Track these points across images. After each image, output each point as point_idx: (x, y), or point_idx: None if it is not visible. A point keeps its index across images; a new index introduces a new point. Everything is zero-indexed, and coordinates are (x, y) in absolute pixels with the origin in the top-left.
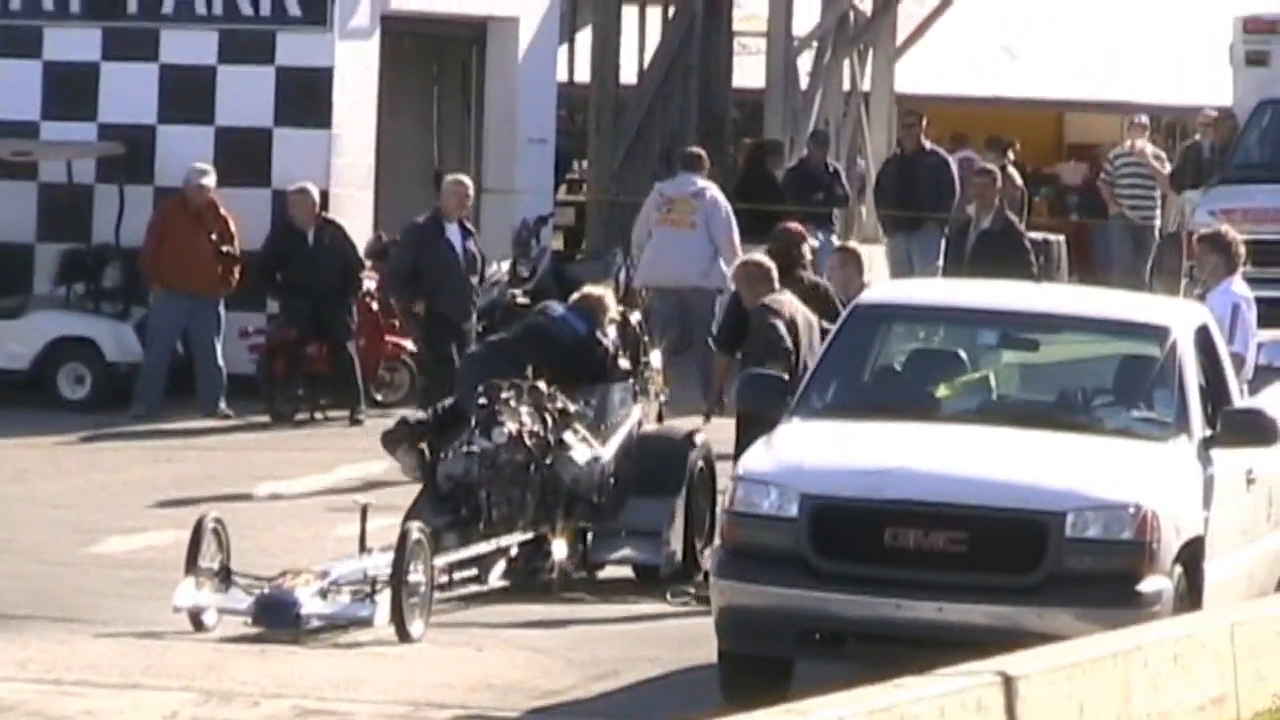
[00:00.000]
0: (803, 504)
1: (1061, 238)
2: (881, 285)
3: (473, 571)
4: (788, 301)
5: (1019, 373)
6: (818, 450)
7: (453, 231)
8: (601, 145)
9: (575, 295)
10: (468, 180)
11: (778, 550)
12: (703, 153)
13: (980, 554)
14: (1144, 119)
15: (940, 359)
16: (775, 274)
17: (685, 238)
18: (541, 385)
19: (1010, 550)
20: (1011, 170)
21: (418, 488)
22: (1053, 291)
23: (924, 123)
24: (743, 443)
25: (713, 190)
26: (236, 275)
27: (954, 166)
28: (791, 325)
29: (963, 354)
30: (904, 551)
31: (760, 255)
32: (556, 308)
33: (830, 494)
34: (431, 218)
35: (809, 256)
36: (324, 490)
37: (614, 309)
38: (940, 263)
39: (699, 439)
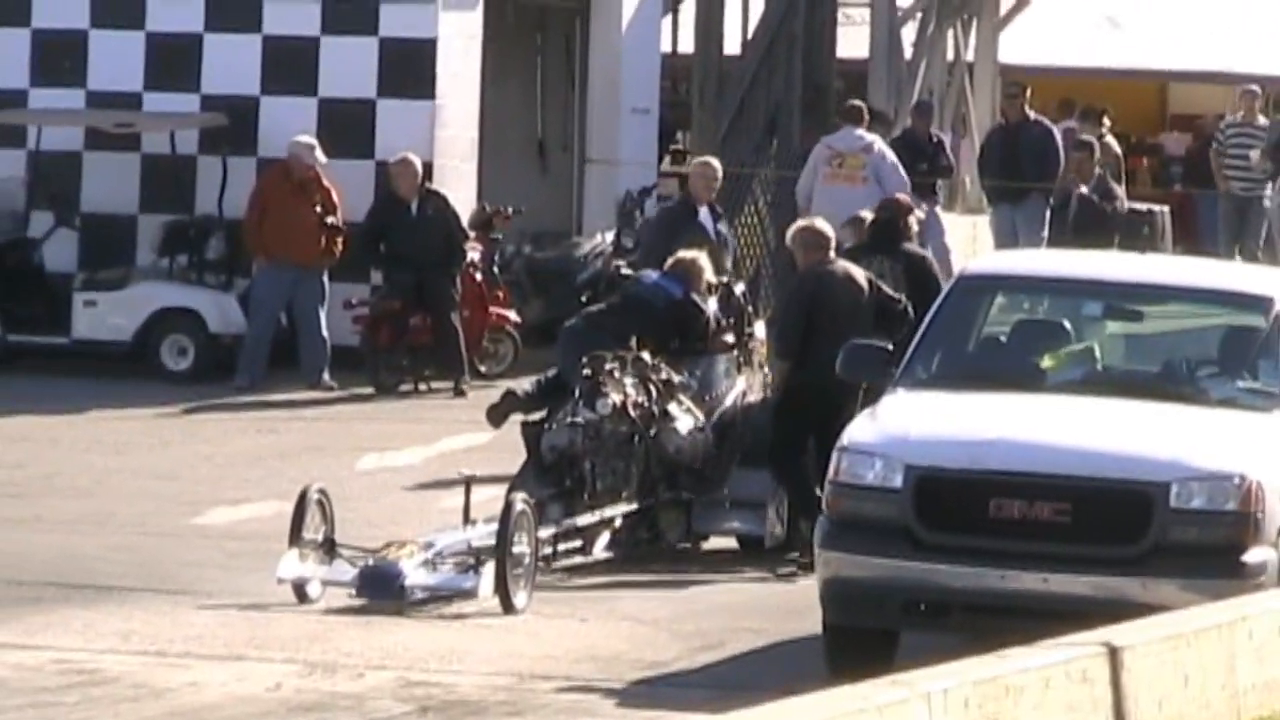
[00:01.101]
0: (907, 475)
1: (1165, 208)
2: (986, 256)
3: (577, 543)
4: (837, 273)
5: (1123, 343)
6: (922, 421)
7: (704, 215)
8: (705, 116)
9: (669, 261)
10: (715, 163)
11: (882, 521)
12: (862, 104)
13: (1085, 525)
14: (1255, 88)
15: (1045, 329)
16: (831, 243)
17: (857, 194)
18: (645, 356)
19: (1115, 521)
20: (1109, 139)
21: (522, 459)
22: (1157, 262)
23: (1027, 93)
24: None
25: (879, 143)
26: (340, 246)
27: (1058, 136)
28: (820, 300)
29: (1067, 325)
30: (1009, 522)
31: (820, 222)
32: (649, 274)
33: (935, 465)
34: (682, 201)
35: (915, 228)
36: (428, 462)
37: (709, 272)
38: (1045, 233)
39: None
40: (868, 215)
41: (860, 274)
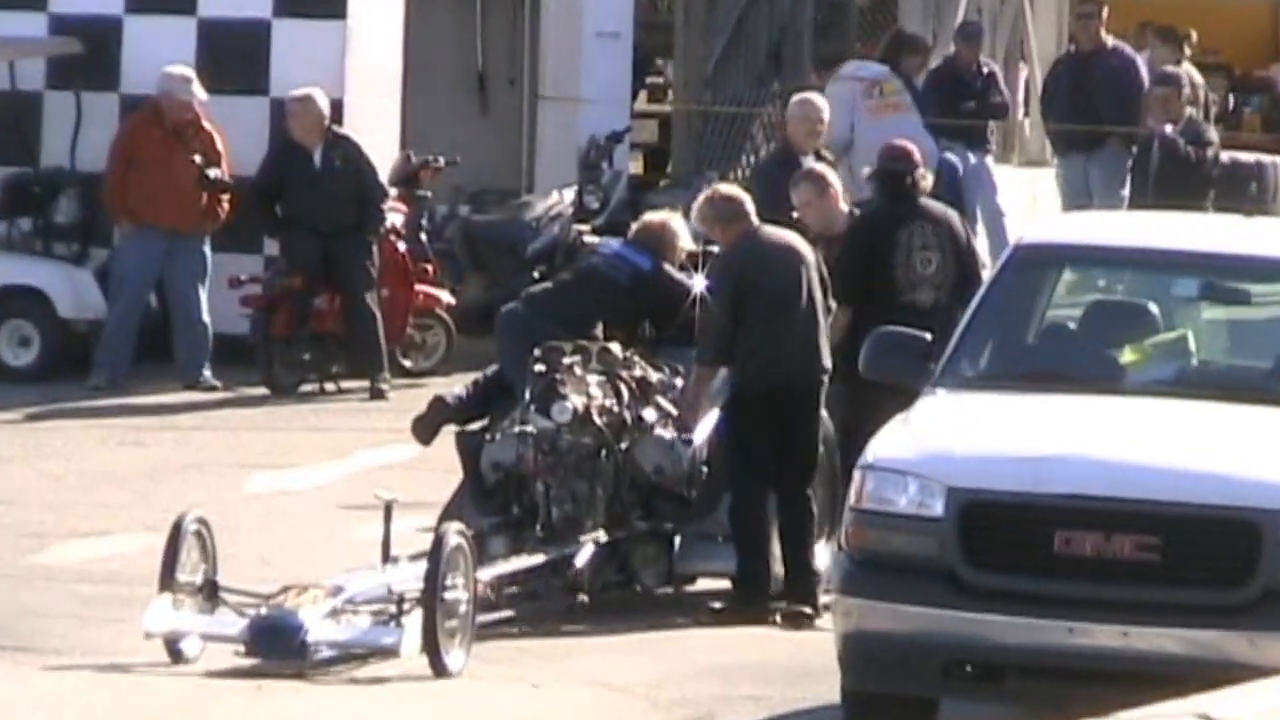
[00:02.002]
0: (950, 500)
1: (1278, 159)
2: (1050, 220)
3: (528, 586)
4: (768, 242)
5: (1225, 332)
6: (969, 431)
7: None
8: (692, 41)
9: (634, 225)
10: (820, 101)
11: (918, 559)
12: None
13: (1176, 564)
14: None
15: (1125, 314)
16: (749, 206)
17: (910, 123)
18: (614, 348)
19: (1214, 559)
20: (1190, 69)
21: (457, 480)
22: (1268, 228)
23: (1104, 13)
24: (866, 419)
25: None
26: (225, 207)
27: (1143, 68)
28: (750, 281)
29: (1153, 308)
30: (1079, 561)
31: (731, 187)
32: (610, 243)
33: (985, 488)
34: (782, 150)
35: (927, 183)
36: (336, 482)
37: (686, 238)
38: (1126, 191)
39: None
40: (823, 169)
41: (799, 241)
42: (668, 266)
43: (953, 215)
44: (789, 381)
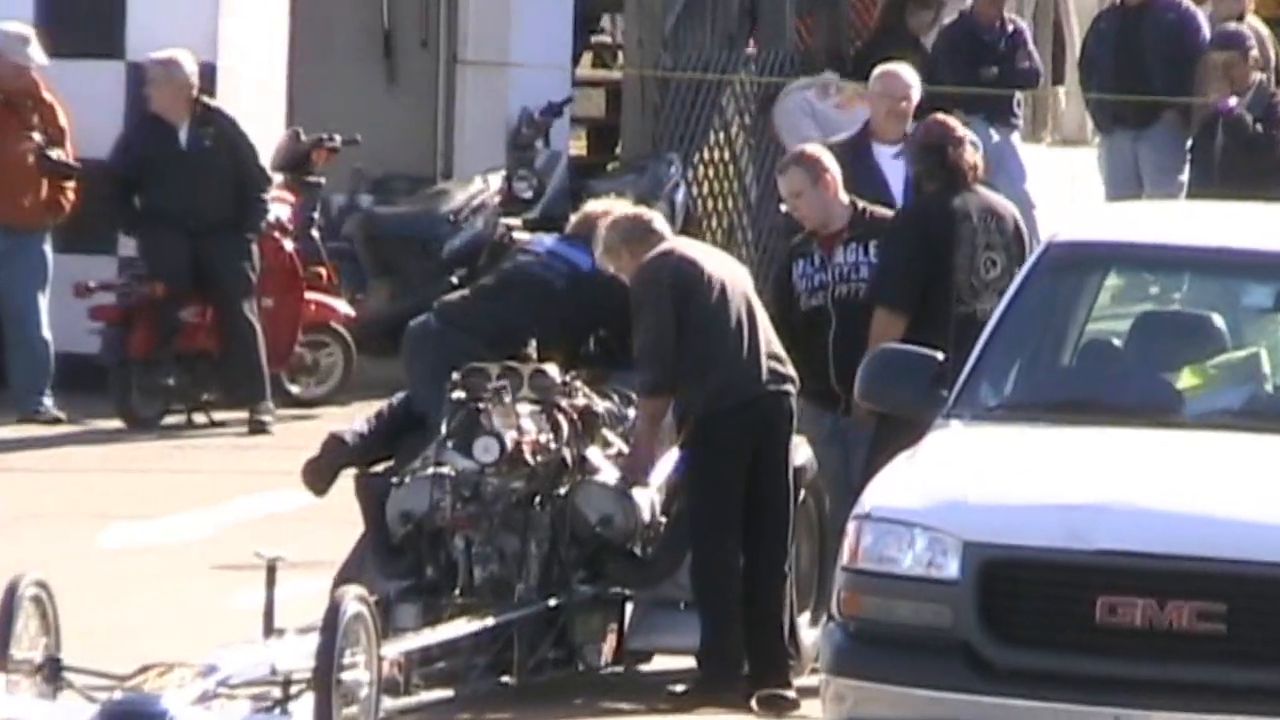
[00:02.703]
0: (967, 558)
1: None
2: (1091, 212)
3: (444, 666)
4: (688, 257)
5: None
6: (990, 472)
7: (884, 157)
8: None
9: (573, 217)
10: (905, 74)
11: (928, 632)
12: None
13: (1246, 638)
14: None
15: (1182, 328)
16: (657, 224)
17: None
18: (552, 370)
19: None
20: (1256, 24)
21: (358, 533)
22: None
23: None
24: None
25: None
26: (70, 197)
27: (1204, 24)
28: (684, 295)
29: (1218, 321)
30: (1127, 634)
31: (623, 205)
32: (543, 240)
33: (1010, 543)
34: (860, 134)
35: (975, 163)
36: (209, 536)
37: None
38: (1184, 177)
39: (800, 456)
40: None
41: (720, 255)
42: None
43: (1015, 210)
44: (755, 394)
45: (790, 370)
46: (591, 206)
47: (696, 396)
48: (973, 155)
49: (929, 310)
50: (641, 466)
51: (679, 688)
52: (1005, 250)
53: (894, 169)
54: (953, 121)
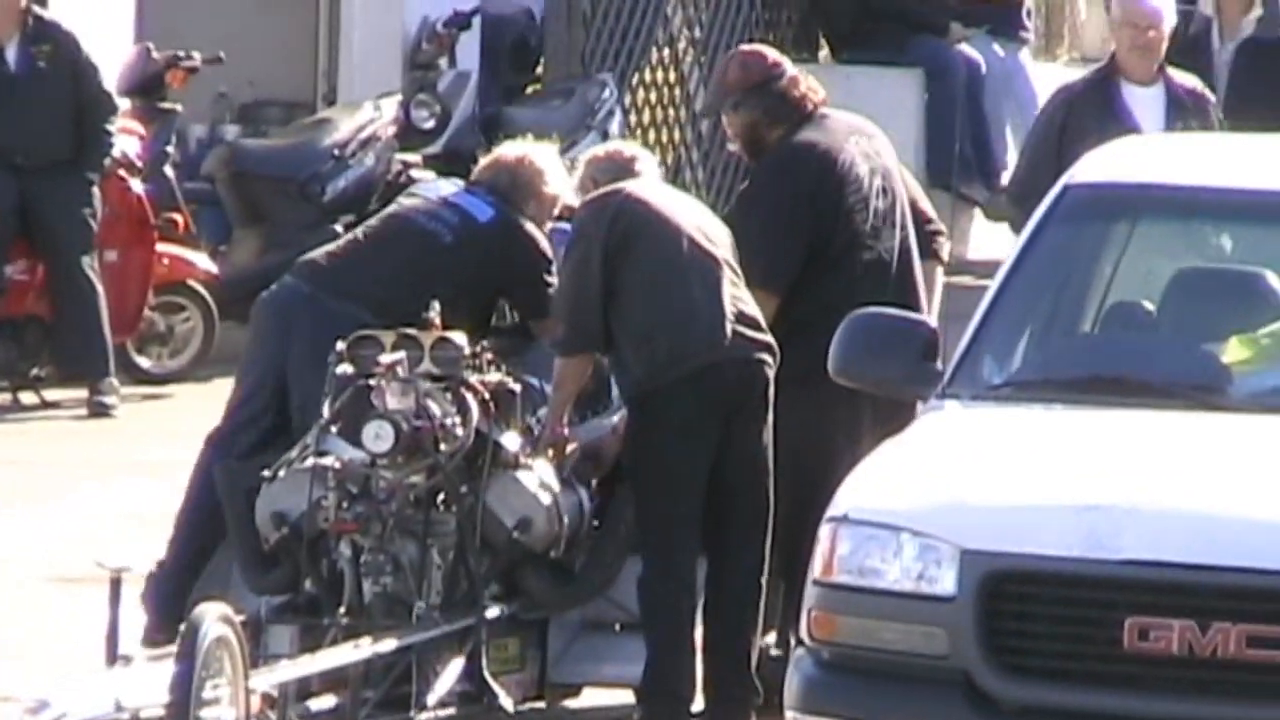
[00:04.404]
0: (966, 570)
1: None
2: (1113, 147)
3: (328, 702)
4: (652, 198)
5: None
6: (993, 466)
7: (1140, 98)
8: None
9: (481, 160)
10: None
11: (919, 660)
12: None
13: None
14: None
15: (1228, 289)
16: (639, 161)
17: None
18: (459, 338)
19: None
20: None
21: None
22: None
23: None
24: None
25: None
26: None
27: None
28: (631, 246)
29: (1273, 280)
30: (1161, 663)
31: (632, 145)
32: (435, 184)
33: (1018, 551)
34: (1103, 71)
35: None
36: (40, 541)
37: (558, 179)
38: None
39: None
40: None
41: (689, 201)
42: (525, 222)
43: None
44: (712, 360)
45: (767, 338)
46: (503, 150)
47: (641, 364)
48: (806, 80)
49: (835, 269)
50: (548, 443)
51: None
52: (885, 174)
53: (1149, 113)
54: (765, 49)
